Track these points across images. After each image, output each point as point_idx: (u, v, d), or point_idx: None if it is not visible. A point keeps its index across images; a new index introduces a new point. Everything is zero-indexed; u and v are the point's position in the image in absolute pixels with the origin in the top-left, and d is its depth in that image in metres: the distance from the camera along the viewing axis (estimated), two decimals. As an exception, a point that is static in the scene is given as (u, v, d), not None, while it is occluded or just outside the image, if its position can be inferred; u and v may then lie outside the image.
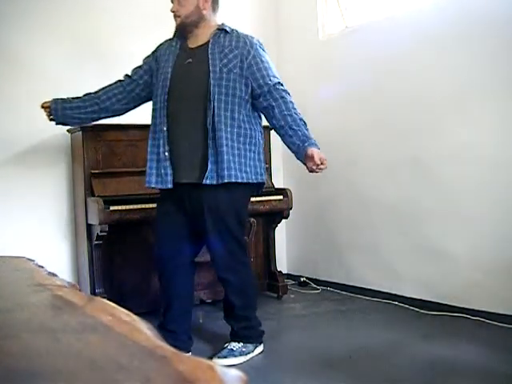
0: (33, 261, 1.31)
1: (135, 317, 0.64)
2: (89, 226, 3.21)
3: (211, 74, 2.42)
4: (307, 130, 2.48)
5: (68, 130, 3.46)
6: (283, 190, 3.65)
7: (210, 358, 2.51)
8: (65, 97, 2.78)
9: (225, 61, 2.44)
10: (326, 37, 3.98)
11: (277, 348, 2.72)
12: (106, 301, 0.76)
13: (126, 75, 2.72)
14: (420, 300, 3.27)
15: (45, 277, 1.03)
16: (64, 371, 0.48)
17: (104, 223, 2.99)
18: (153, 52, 2.70)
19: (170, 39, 2.66)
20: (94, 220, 3.06)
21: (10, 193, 3.37)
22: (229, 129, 2.41)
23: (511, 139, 2.82)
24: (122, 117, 3.65)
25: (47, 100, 2.77)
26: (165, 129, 2.47)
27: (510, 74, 2.81)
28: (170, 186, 2.45)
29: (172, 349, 0.52)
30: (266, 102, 2.47)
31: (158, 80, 2.55)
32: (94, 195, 3.12)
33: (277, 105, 2.46)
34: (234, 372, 0.47)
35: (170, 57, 2.56)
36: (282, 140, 2.57)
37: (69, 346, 0.55)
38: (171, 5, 2.58)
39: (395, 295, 3.43)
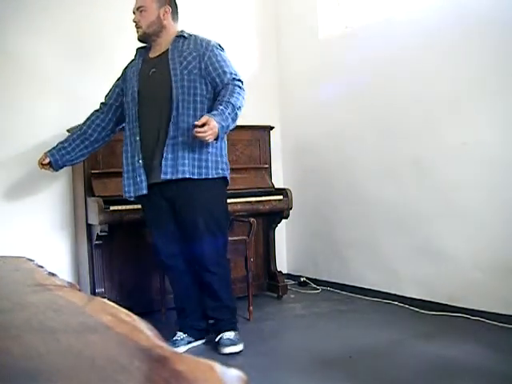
0: (33, 261, 1.31)
1: (135, 317, 0.64)
2: (89, 226, 3.21)
3: (172, 78, 2.54)
4: (229, 113, 2.46)
5: (68, 130, 3.46)
6: (283, 189, 3.65)
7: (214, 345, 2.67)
8: (54, 143, 2.92)
9: (184, 63, 2.56)
10: (326, 37, 3.98)
11: (277, 348, 2.72)
12: (106, 301, 0.76)
13: (102, 103, 2.86)
14: (420, 300, 3.27)
15: (45, 277, 1.03)
16: (64, 371, 0.48)
17: (104, 223, 2.99)
18: (121, 74, 2.83)
19: (133, 58, 2.81)
20: (94, 220, 3.06)
21: (10, 193, 3.37)
22: (191, 127, 2.46)
23: (511, 138, 2.82)
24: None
25: (40, 157, 2.85)
26: (138, 138, 2.60)
27: (509, 73, 2.81)
28: (144, 191, 2.58)
29: (172, 349, 0.52)
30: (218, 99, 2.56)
31: (127, 96, 2.69)
32: (94, 195, 3.12)
33: (225, 89, 2.54)
34: (234, 372, 0.47)
35: (135, 72, 2.70)
36: None
37: (69, 346, 0.55)
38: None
39: (395, 295, 3.43)
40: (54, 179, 3.50)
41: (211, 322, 2.78)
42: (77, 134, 2.82)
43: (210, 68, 2.57)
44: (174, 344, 2.66)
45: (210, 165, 2.56)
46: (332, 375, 2.30)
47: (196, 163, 2.53)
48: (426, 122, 3.23)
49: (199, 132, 2.36)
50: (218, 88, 2.57)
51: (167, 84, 2.55)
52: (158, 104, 2.58)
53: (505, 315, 2.83)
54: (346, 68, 3.77)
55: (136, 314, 0.65)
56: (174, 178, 2.51)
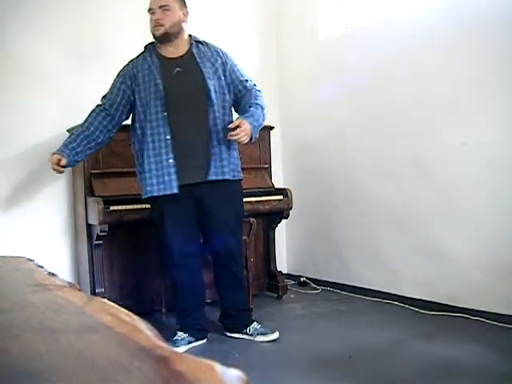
0: (33, 261, 1.31)
1: (135, 317, 0.64)
2: (89, 226, 3.21)
3: (208, 81, 2.64)
4: (259, 113, 2.68)
5: (68, 130, 3.46)
6: (283, 189, 3.65)
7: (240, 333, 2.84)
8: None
9: (213, 68, 2.70)
10: (326, 37, 3.98)
11: (277, 348, 2.72)
12: (106, 301, 0.76)
13: (106, 105, 2.74)
14: (420, 300, 3.27)
15: (45, 277, 1.03)
16: (64, 371, 0.48)
17: (104, 223, 2.99)
18: (125, 74, 2.74)
19: (134, 59, 2.78)
20: (94, 220, 3.06)
21: (10, 193, 3.37)
22: (225, 130, 2.63)
23: (511, 138, 2.82)
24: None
25: (53, 158, 2.66)
26: (168, 137, 2.60)
27: (509, 73, 2.81)
28: (175, 190, 2.59)
29: (172, 349, 0.52)
30: (244, 102, 2.75)
31: (147, 94, 2.64)
32: (94, 195, 3.12)
33: (249, 94, 2.75)
34: (234, 372, 0.47)
35: (153, 69, 2.67)
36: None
37: (69, 346, 0.55)
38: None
39: (395, 295, 3.43)
40: (54, 179, 3.50)
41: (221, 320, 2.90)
42: (85, 135, 2.73)
43: (233, 76, 2.74)
44: (175, 344, 2.66)
45: (237, 167, 2.76)
46: (332, 375, 2.30)
47: (231, 166, 2.70)
48: (426, 122, 3.23)
49: (233, 135, 2.51)
50: (240, 94, 2.76)
51: (200, 85, 2.64)
52: (191, 104, 2.63)
53: (505, 315, 2.83)
54: (345, 68, 3.77)
55: (136, 314, 0.65)
56: (219, 178, 2.63)
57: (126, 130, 3.37)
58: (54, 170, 2.68)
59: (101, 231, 3.01)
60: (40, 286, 0.92)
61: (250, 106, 2.67)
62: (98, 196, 3.07)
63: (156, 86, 2.62)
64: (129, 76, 2.73)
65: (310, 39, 4.06)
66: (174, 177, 2.59)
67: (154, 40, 2.77)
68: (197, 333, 2.77)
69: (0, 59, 3.36)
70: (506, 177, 2.84)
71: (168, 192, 2.60)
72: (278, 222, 3.72)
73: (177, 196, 2.61)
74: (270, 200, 3.52)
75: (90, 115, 2.77)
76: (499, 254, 2.88)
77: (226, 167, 2.66)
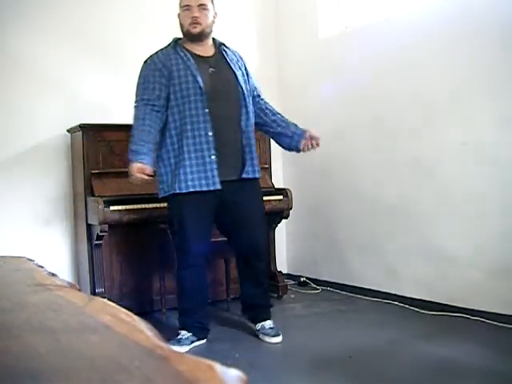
0: (33, 261, 1.31)
1: (135, 317, 0.64)
2: (89, 226, 3.21)
3: (241, 84, 2.74)
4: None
5: (68, 130, 3.47)
6: (283, 189, 3.65)
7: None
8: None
9: (240, 72, 2.79)
10: (326, 36, 3.98)
11: (277, 348, 2.73)
12: (106, 301, 0.76)
13: (154, 102, 2.63)
14: (420, 300, 3.27)
15: (45, 277, 1.03)
16: (64, 371, 0.48)
17: (104, 223, 2.99)
18: (158, 70, 2.66)
19: (162, 51, 2.72)
20: (93, 220, 3.06)
21: (10, 193, 3.37)
22: (252, 130, 2.81)
23: (511, 138, 2.82)
24: (121, 117, 3.65)
25: (138, 168, 2.52)
26: (210, 133, 2.62)
27: (508, 73, 2.81)
28: (218, 186, 2.63)
29: (172, 349, 0.52)
30: (259, 106, 2.91)
31: (183, 88, 2.62)
32: (93, 195, 3.12)
33: (267, 107, 2.93)
34: (234, 372, 0.47)
35: (189, 65, 2.66)
36: (272, 132, 2.95)
37: (69, 346, 0.55)
38: (175, 6, 2.67)
39: (395, 295, 3.43)
40: (54, 179, 3.51)
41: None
42: (152, 137, 2.62)
43: (251, 82, 2.86)
44: (179, 342, 2.67)
45: (259, 167, 2.86)
46: (332, 375, 2.30)
47: (258, 165, 2.84)
48: (426, 122, 3.23)
49: (313, 144, 2.86)
50: (257, 99, 2.89)
51: (234, 86, 2.72)
52: (227, 104, 2.68)
53: (505, 315, 2.82)
54: (345, 68, 3.77)
55: (136, 314, 0.65)
56: (253, 176, 2.76)
57: (126, 129, 3.37)
58: (143, 177, 2.54)
59: (101, 231, 3.01)
60: (40, 285, 0.92)
61: (282, 119, 2.90)
62: (98, 196, 3.07)
63: (196, 83, 2.62)
64: (164, 68, 2.66)
65: (310, 39, 4.06)
66: (216, 173, 2.62)
67: (176, 37, 2.76)
68: (199, 332, 2.77)
69: (0, 59, 3.36)
70: (506, 177, 2.84)
71: (211, 188, 2.62)
72: (278, 222, 3.72)
73: (201, 194, 2.62)
74: (270, 200, 3.52)
75: (143, 118, 2.62)
76: (499, 254, 2.88)
77: (256, 166, 2.78)
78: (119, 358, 0.50)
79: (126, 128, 3.38)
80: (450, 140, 3.09)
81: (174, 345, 2.62)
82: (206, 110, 2.61)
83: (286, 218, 3.66)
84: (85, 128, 3.21)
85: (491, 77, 2.88)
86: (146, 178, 2.56)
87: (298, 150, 2.88)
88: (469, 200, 3.01)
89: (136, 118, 2.65)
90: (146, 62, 2.73)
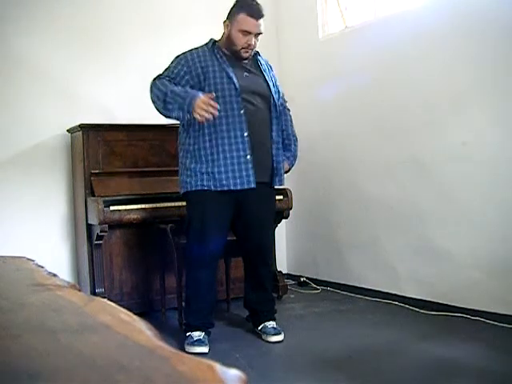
0: (33, 261, 1.31)
1: (135, 317, 0.64)
2: (89, 226, 3.21)
3: (272, 89, 2.79)
4: (297, 151, 3.04)
5: (68, 130, 3.47)
6: (283, 189, 3.64)
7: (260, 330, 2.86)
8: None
9: (273, 82, 2.84)
10: (326, 36, 3.98)
11: (277, 348, 2.72)
12: (106, 301, 0.76)
13: (169, 80, 2.62)
14: (420, 300, 3.27)
15: (45, 277, 1.03)
16: (64, 371, 0.48)
17: (104, 223, 2.99)
18: (187, 66, 2.66)
19: (196, 49, 2.71)
20: (93, 220, 3.06)
21: (10, 193, 3.37)
22: (280, 137, 2.89)
23: (511, 138, 2.82)
24: (121, 117, 3.66)
25: (203, 100, 2.44)
26: (246, 134, 2.65)
27: (509, 72, 2.81)
28: (253, 185, 2.67)
29: (172, 349, 0.52)
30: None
31: (218, 88, 2.62)
32: (94, 195, 3.12)
33: (285, 119, 2.99)
34: (234, 372, 0.47)
35: (225, 67, 2.67)
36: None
37: (69, 346, 0.55)
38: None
39: (395, 295, 3.43)
40: (54, 179, 3.51)
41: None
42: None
43: (278, 90, 2.89)
44: (203, 343, 2.66)
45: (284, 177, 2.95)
46: (332, 375, 2.30)
47: (283, 174, 2.93)
48: (426, 122, 3.23)
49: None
50: (282, 107, 2.94)
51: (266, 92, 2.76)
52: (259, 109, 2.72)
53: (505, 315, 2.82)
54: (345, 68, 3.77)
55: (136, 314, 0.65)
56: (280, 180, 2.87)
57: (125, 129, 3.38)
58: (207, 112, 2.44)
59: (101, 231, 3.01)
60: (40, 285, 0.92)
61: (289, 144, 2.96)
62: (98, 196, 3.07)
63: (232, 84, 2.64)
64: (195, 67, 2.65)
65: (310, 39, 4.06)
66: (251, 172, 2.65)
67: (211, 39, 2.77)
68: (208, 332, 2.77)
69: (0, 59, 3.36)
70: (506, 176, 2.84)
71: (246, 187, 2.64)
72: (278, 222, 3.72)
73: (224, 193, 2.64)
74: (270, 200, 3.52)
75: (165, 84, 2.58)
76: (499, 254, 2.88)
77: (282, 176, 2.89)
78: (119, 358, 0.50)
79: (126, 128, 3.39)
80: (449, 140, 3.09)
81: (194, 346, 2.63)
82: (242, 111, 2.64)
83: (286, 218, 3.65)
84: (85, 128, 3.22)
85: (491, 76, 2.88)
86: (214, 111, 2.45)
87: None
88: (469, 200, 3.01)
89: (158, 87, 2.58)
90: (178, 56, 2.72)
